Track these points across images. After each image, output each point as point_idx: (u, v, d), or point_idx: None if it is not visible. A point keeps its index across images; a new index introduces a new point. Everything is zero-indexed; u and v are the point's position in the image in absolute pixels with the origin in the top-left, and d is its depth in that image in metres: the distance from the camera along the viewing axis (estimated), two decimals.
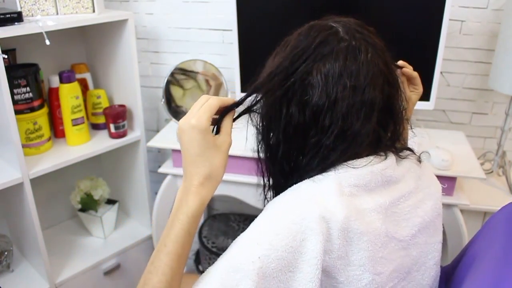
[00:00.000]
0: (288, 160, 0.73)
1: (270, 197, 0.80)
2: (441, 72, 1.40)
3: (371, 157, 0.71)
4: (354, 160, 0.70)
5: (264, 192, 0.81)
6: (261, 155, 0.77)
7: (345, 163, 0.70)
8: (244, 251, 0.62)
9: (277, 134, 0.71)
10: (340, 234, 0.64)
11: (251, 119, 0.76)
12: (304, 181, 0.70)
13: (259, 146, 0.76)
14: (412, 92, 0.96)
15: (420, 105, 1.35)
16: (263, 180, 0.79)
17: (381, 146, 0.74)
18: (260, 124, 0.75)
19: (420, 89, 0.96)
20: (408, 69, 0.93)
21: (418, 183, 0.76)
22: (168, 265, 0.64)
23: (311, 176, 0.70)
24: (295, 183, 0.71)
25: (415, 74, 0.94)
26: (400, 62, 0.92)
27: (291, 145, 0.71)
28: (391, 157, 0.73)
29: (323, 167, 0.69)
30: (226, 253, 0.64)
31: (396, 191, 0.72)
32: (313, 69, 0.67)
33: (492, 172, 1.48)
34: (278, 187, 0.76)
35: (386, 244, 0.69)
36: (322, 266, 0.63)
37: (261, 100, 0.72)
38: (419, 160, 0.81)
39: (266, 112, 0.72)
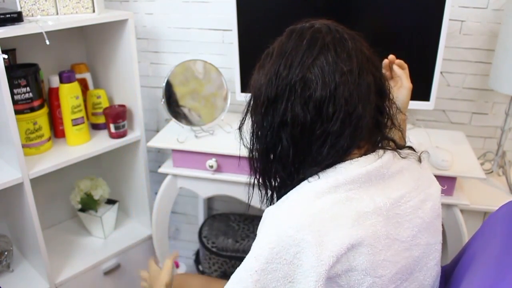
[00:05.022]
0: (297, 160, 0.74)
1: (269, 199, 0.82)
2: (441, 72, 1.40)
3: (370, 156, 0.72)
4: (353, 160, 0.71)
5: (269, 201, 0.82)
6: (266, 165, 0.78)
7: (342, 163, 0.71)
8: (245, 264, 0.69)
9: (285, 139, 0.72)
10: (338, 242, 0.64)
11: (241, 138, 0.79)
12: (301, 185, 0.71)
13: (262, 158, 0.78)
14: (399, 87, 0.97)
15: (420, 105, 1.36)
16: (266, 183, 0.80)
17: (381, 133, 0.76)
18: (262, 136, 0.76)
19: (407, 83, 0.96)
20: (397, 62, 0.95)
21: (418, 183, 0.77)
22: None
23: (323, 166, 0.71)
24: (302, 180, 0.72)
25: (405, 66, 0.95)
26: (390, 56, 0.94)
27: (300, 145, 0.72)
28: (388, 155, 0.74)
29: (333, 155, 0.71)
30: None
31: (395, 191, 0.72)
32: (310, 65, 0.69)
33: (492, 172, 1.48)
34: (284, 188, 0.77)
35: (389, 246, 0.69)
36: (323, 276, 0.63)
37: (260, 111, 0.74)
38: (419, 160, 0.81)
39: (268, 121, 0.73)
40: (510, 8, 1.25)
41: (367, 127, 0.72)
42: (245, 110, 0.79)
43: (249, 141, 0.78)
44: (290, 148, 0.72)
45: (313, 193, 0.68)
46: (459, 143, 1.41)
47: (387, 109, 0.78)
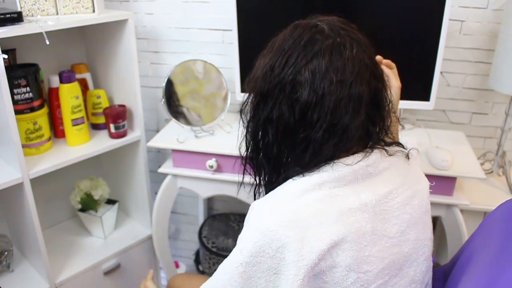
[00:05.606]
0: (281, 158, 0.75)
1: (260, 194, 0.83)
2: (441, 72, 1.40)
3: (358, 156, 0.72)
4: (342, 159, 0.72)
5: (254, 191, 0.84)
6: (253, 155, 0.80)
7: (330, 162, 0.71)
8: (231, 256, 0.71)
9: (271, 134, 0.73)
10: (320, 238, 0.64)
11: (242, 121, 0.79)
12: (286, 182, 0.72)
13: (251, 147, 0.79)
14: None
15: (420, 105, 1.36)
16: (255, 179, 0.82)
17: (371, 140, 0.75)
18: (252, 126, 0.77)
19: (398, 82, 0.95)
20: (384, 62, 0.93)
21: (406, 180, 0.77)
22: None
23: (305, 170, 0.72)
24: (286, 178, 0.73)
25: (393, 65, 0.94)
26: (378, 57, 0.92)
27: (283, 144, 0.73)
28: (375, 154, 0.74)
29: (316, 163, 0.71)
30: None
31: (382, 188, 0.73)
32: (302, 68, 0.69)
33: (492, 172, 1.48)
34: (270, 184, 0.79)
35: (375, 242, 0.69)
36: (303, 271, 0.64)
37: (253, 102, 0.75)
38: (408, 157, 0.81)
39: (258, 114, 0.74)
40: (510, 8, 1.25)
41: (354, 137, 0.71)
42: (247, 94, 0.79)
43: (246, 124, 0.79)
44: (274, 144, 0.73)
45: (297, 190, 0.69)
46: (459, 143, 1.41)
47: (382, 120, 0.76)
